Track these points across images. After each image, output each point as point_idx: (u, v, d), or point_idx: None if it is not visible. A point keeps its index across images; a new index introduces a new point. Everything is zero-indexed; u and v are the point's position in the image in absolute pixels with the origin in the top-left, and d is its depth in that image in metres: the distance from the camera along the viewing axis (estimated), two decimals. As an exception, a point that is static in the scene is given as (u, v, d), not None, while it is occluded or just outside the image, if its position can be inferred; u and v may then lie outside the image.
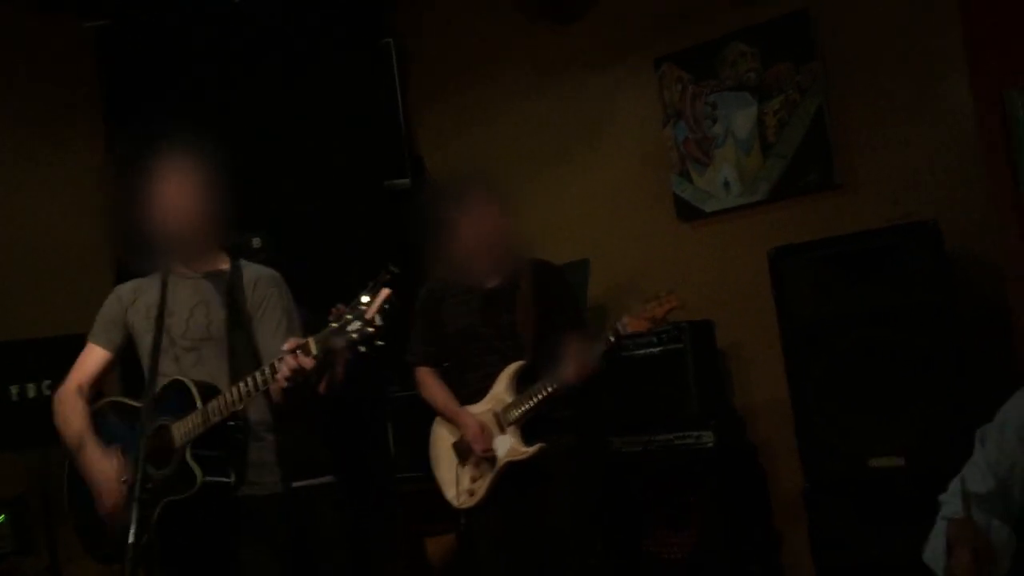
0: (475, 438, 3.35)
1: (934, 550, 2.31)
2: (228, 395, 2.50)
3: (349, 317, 2.29)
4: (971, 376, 3.30)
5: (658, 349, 3.93)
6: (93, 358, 2.82)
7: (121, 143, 4.58)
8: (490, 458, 3.36)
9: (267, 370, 2.46)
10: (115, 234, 4.47)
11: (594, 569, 3.44)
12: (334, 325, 2.31)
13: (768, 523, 4.05)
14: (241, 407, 2.52)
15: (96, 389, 2.83)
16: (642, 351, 3.95)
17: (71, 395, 2.78)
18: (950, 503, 2.37)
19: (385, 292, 2.30)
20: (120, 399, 2.83)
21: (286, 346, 2.41)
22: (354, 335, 2.28)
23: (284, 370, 2.40)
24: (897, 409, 3.37)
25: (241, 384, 2.49)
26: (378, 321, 2.27)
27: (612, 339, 3.19)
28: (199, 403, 2.53)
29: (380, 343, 2.28)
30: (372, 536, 4.44)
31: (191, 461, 2.50)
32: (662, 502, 3.87)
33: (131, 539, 2.17)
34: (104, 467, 2.65)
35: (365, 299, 2.30)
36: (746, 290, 4.06)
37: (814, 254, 3.62)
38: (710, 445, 3.81)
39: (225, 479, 2.56)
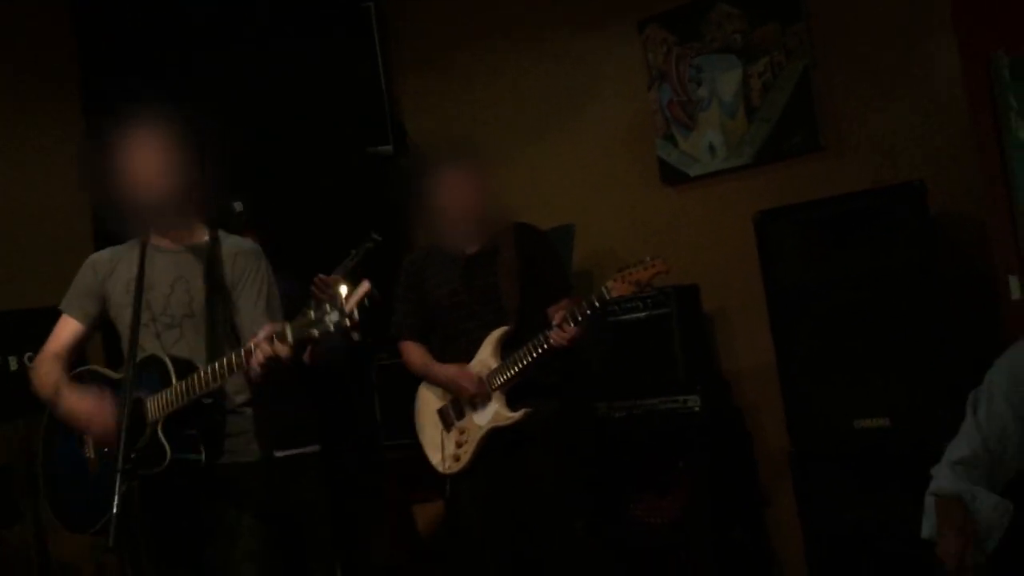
0: (465, 378, 3.33)
1: (930, 528, 2.34)
2: (203, 373, 2.49)
3: (327, 307, 2.29)
4: (955, 337, 3.32)
5: (644, 314, 3.93)
6: (68, 330, 2.78)
7: (98, 112, 4.54)
8: (481, 405, 3.34)
9: (242, 352, 2.44)
10: (93, 201, 4.45)
11: (578, 534, 3.46)
12: (312, 315, 2.31)
13: (755, 486, 4.08)
14: (216, 386, 2.50)
15: (72, 359, 2.78)
16: (628, 316, 3.95)
17: (47, 360, 2.75)
18: (938, 476, 2.39)
19: (365, 286, 2.30)
20: (98, 368, 2.80)
21: (262, 333, 2.41)
22: (331, 326, 2.28)
23: (259, 355, 2.40)
24: (882, 370, 3.39)
25: (216, 364, 2.48)
26: (356, 315, 2.27)
27: (597, 304, 3.18)
28: (174, 379, 2.51)
29: (356, 336, 2.30)
30: (359, 504, 4.44)
31: (162, 437, 2.49)
32: (649, 467, 3.89)
33: (114, 509, 2.16)
34: (86, 400, 2.60)
35: (344, 290, 2.30)
36: (731, 254, 4.06)
37: (799, 217, 3.62)
38: (696, 409, 3.82)
39: (195, 456, 2.54)
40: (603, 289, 3.17)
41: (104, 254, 2.82)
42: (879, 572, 3.36)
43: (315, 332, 2.30)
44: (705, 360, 4.12)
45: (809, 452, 3.55)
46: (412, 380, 3.61)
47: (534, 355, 3.26)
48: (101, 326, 2.81)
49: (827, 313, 3.52)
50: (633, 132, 4.50)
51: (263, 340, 2.38)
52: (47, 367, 2.73)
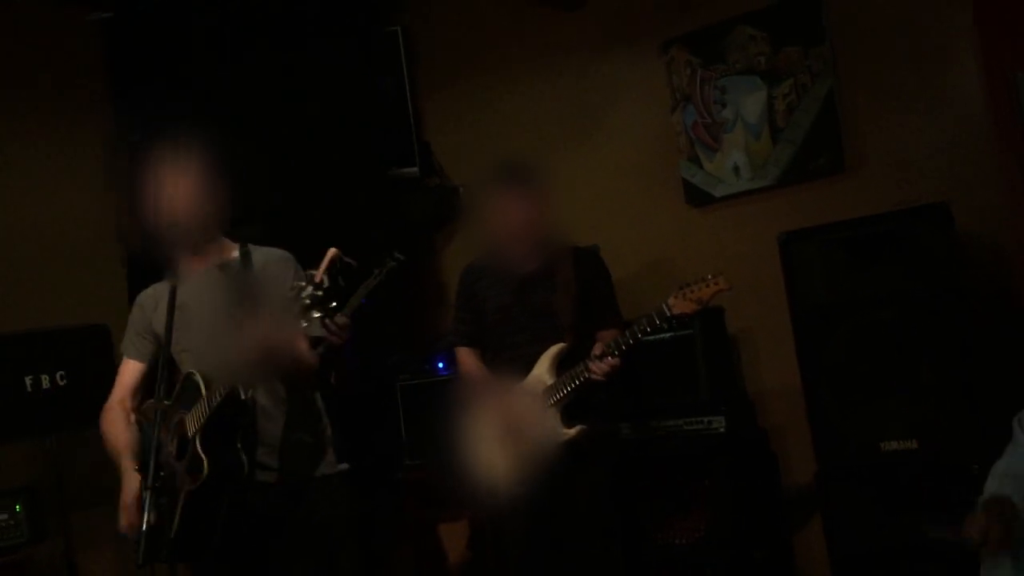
0: (515, 403, 3.36)
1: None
2: (223, 379, 2.54)
3: (301, 284, 2.31)
4: (982, 358, 3.29)
5: (668, 335, 3.91)
6: (129, 372, 2.91)
7: (128, 134, 4.60)
8: (530, 435, 3.37)
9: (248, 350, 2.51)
10: (124, 225, 4.52)
11: (614, 554, 3.48)
12: (289, 295, 2.34)
13: (780, 508, 4.05)
14: (238, 388, 2.56)
15: (139, 396, 2.91)
16: (652, 337, 3.93)
17: (114, 408, 2.87)
18: (986, 489, 2.38)
19: (332, 252, 2.37)
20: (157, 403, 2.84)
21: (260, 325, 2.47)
22: (307, 300, 2.30)
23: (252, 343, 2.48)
24: (909, 392, 3.37)
25: (231, 368, 2.54)
26: (326, 283, 2.30)
27: (658, 321, 3.18)
28: (203, 391, 2.58)
29: (333, 304, 2.31)
30: (383, 523, 4.45)
31: (200, 450, 2.55)
32: (673, 488, 3.88)
33: (144, 526, 2.20)
34: (128, 488, 2.72)
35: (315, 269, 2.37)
36: (756, 275, 4.05)
37: (824, 238, 3.61)
38: (721, 431, 3.80)
39: (233, 463, 2.59)
40: (664, 306, 3.18)
41: (148, 292, 2.93)
42: (905, 595, 3.34)
43: (294, 308, 2.31)
44: (730, 381, 4.11)
45: (835, 474, 3.53)
46: (436, 399, 3.64)
47: (580, 380, 3.30)
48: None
49: (853, 334, 3.50)
50: (657, 153, 4.51)
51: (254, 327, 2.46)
52: (111, 418, 2.86)
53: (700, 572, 3.79)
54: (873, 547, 3.42)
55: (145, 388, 2.91)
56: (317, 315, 2.29)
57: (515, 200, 3.42)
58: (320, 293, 2.28)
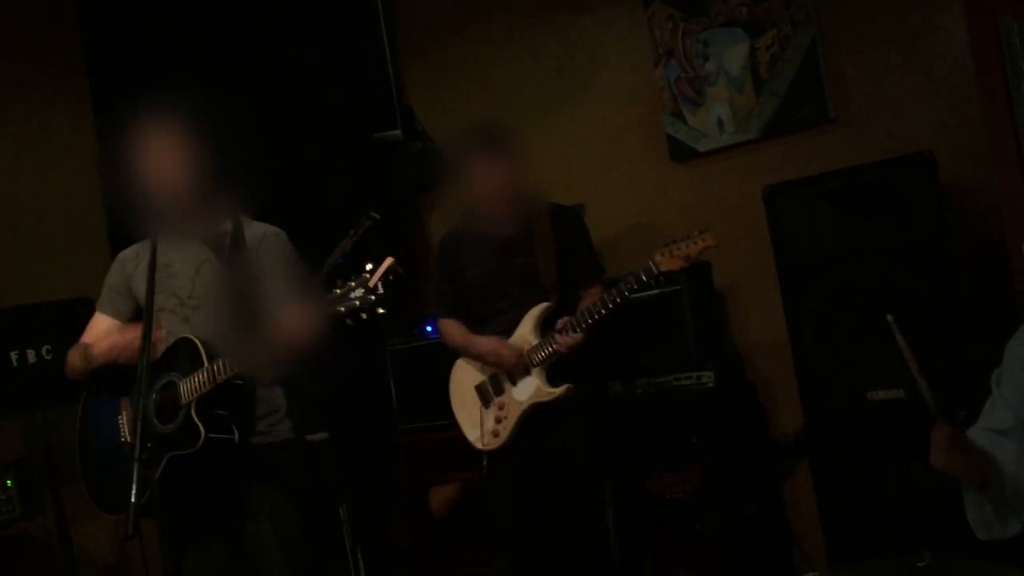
0: (505, 349, 3.37)
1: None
2: (233, 355, 2.54)
3: (352, 284, 2.33)
4: (967, 307, 3.30)
5: (655, 291, 3.90)
6: (101, 326, 2.87)
7: (107, 103, 4.56)
8: (521, 381, 3.37)
9: (268, 331, 2.50)
10: (108, 198, 4.49)
11: (603, 513, 3.50)
12: (337, 292, 2.35)
13: (769, 460, 4.08)
14: (246, 367, 2.56)
15: None
16: (640, 294, 3.92)
17: (77, 346, 2.83)
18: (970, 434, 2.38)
19: (389, 261, 2.34)
20: None
21: (294, 310, 2.45)
22: (356, 302, 2.32)
23: (289, 333, 2.45)
24: (895, 341, 3.37)
25: (245, 345, 2.54)
26: (380, 289, 2.31)
27: (644, 278, 3.20)
28: (206, 361, 2.57)
29: (382, 311, 2.32)
30: (374, 488, 4.47)
31: (196, 418, 2.55)
32: (663, 443, 3.89)
33: (132, 499, 2.19)
34: (117, 336, 2.73)
35: (368, 267, 2.34)
36: (742, 229, 4.04)
37: (809, 190, 3.60)
38: (710, 385, 3.81)
39: (228, 436, 2.61)
40: (650, 263, 3.18)
41: (130, 250, 2.90)
42: (895, 544, 3.36)
43: (342, 309, 2.34)
44: (718, 336, 4.12)
45: (823, 425, 3.55)
46: (426, 364, 3.63)
47: (552, 348, 3.30)
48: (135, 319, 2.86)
49: (839, 286, 3.50)
50: (641, 109, 4.48)
51: (295, 317, 2.43)
52: (75, 347, 2.82)
53: (691, 526, 3.82)
54: (861, 496, 3.45)
55: None
56: (364, 318, 2.31)
57: (489, 165, 3.40)
58: (373, 299, 2.30)
